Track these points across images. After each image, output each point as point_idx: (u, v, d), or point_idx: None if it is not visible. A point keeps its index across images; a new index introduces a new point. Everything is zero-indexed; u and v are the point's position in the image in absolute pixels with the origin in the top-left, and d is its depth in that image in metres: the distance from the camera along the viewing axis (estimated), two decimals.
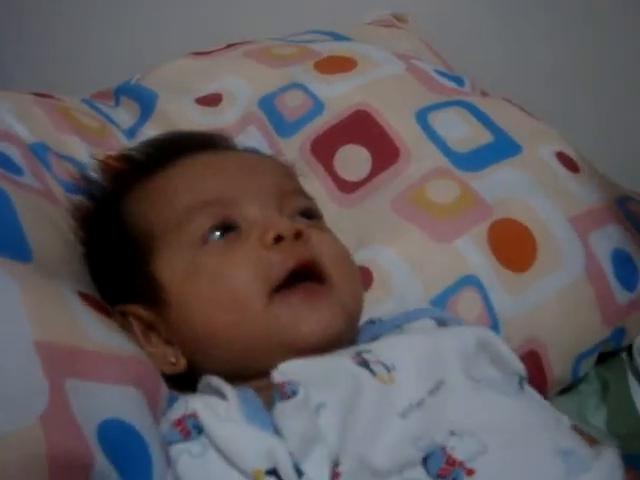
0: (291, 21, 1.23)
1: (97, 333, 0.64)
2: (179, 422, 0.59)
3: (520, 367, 0.68)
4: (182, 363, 0.67)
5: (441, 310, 0.78)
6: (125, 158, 0.79)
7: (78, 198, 0.79)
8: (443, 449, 0.56)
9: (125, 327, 0.69)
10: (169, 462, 0.59)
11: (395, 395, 0.59)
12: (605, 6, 1.35)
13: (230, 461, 0.56)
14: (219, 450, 0.56)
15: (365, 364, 0.60)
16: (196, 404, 0.59)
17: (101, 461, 0.56)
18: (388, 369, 0.61)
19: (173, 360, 0.67)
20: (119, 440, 0.59)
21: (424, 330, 0.71)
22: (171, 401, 0.66)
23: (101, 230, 0.74)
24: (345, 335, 0.66)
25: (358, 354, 0.62)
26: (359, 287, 0.71)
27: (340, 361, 0.61)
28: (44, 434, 0.54)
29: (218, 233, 0.67)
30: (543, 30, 1.38)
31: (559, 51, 1.38)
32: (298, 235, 0.66)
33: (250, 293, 0.64)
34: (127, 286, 0.70)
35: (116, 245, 0.71)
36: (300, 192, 0.74)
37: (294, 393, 0.57)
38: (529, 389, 0.68)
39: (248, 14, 1.31)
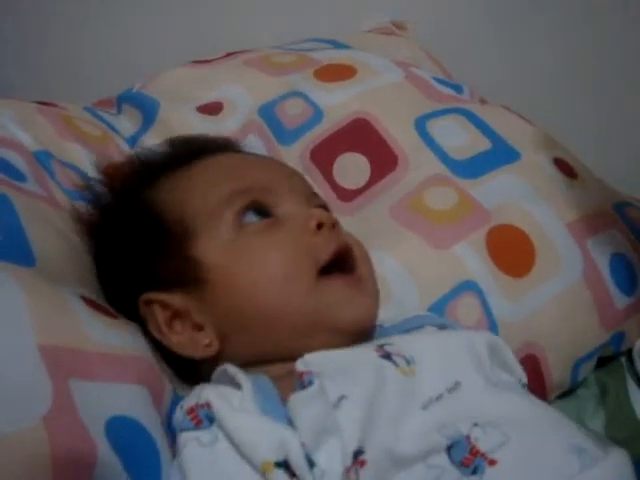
0: (290, 29, 1.24)
1: (100, 335, 0.64)
2: (192, 410, 0.60)
3: (522, 374, 0.70)
4: (215, 345, 0.68)
5: (440, 317, 0.79)
6: (143, 156, 0.80)
7: (84, 203, 0.79)
8: (467, 438, 0.57)
9: (146, 319, 0.69)
10: (176, 450, 0.60)
11: (416, 387, 0.60)
12: (605, 6, 1.35)
13: (241, 452, 0.56)
14: (231, 441, 0.57)
15: (388, 356, 0.62)
16: (210, 394, 0.60)
17: (108, 460, 0.57)
18: (408, 362, 0.62)
19: (207, 342, 0.68)
20: (127, 437, 0.60)
21: (434, 332, 0.72)
22: (176, 400, 0.67)
23: (124, 223, 0.74)
24: (373, 327, 0.69)
25: (380, 346, 0.63)
26: (377, 281, 0.73)
27: (364, 353, 0.63)
28: (47, 435, 0.55)
29: (255, 216, 0.70)
30: (542, 32, 1.38)
31: (558, 53, 1.38)
32: (335, 224, 0.70)
33: (299, 271, 0.66)
34: (153, 276, 0.70)
35: (145, 236, 0.72)
36: (317, 196, 0.77)
37: (310, 383, 0.59)
38: (532, 396, 0.69)
39: (248, 23, 1.32)
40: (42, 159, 0.83)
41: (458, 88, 1.04)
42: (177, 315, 0.69)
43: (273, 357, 0.65)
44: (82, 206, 0.80)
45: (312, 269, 0.67)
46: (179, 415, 0.61)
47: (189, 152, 0.77)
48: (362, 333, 0.67)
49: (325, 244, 0.68)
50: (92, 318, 0.66)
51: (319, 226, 0.69)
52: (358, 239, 0.75)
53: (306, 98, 0.97)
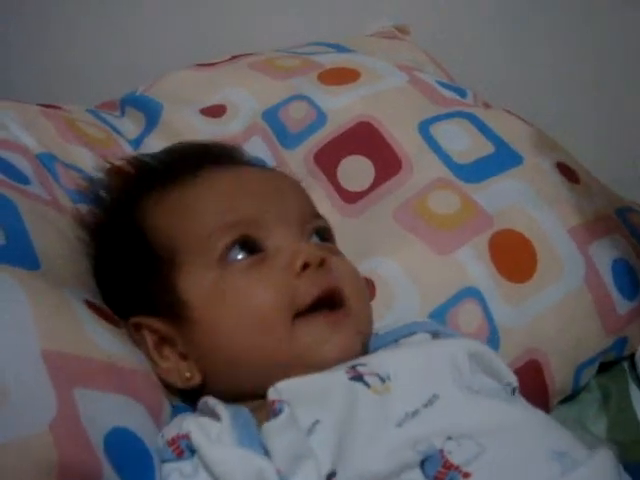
0: (294, 33, 1.24)
1: (103, 342, 0.64)
2: (173, 441, 0.61)
3: (512, 378, 0.69)
4: (197, 378, 0.68)
5: (437, 323, 0.78)
6: (140, 164, 0.79)
7: (88, 206, 0.79)
8: (441, 452, 0.57)
9: (136, 340, 0.70)
10: None
11: (391, 404, 0.60)
12: (605, 6, 1.35)
13: None
14: (210, 472, 0.58)
15: (359, 377, 0.61)
16: (190, 425, 0.61)
17: (108, 472, 0.57)
18: (383, 380, 0.62)
19: (188, 375, 0.68)
20: (125, 449, 0.60)
21: (419, 344, 0.71)
22: (175, 413, 0.68)
23: (116, 239, 0.74)
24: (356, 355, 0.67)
25: (353, 367, 0.63)
26: (370, 310, 0.73)
27: (335, 377, 0.62)
28: (54, 442, 0.55)
29: (243, 253, 0.68)
30: (542, 33, 1.38)
31: (559, 54, 1.38)
32: (322, 262, 0.68)
33: (275, 317, 0.65)
34: (143, 298, 0.70)
35: (134, 256, 0.72)
36: (317, 214, 0.76)
37: (280, 411, 0.59)
38: (522, 400, 0.69)
39: (250, 26, 1.32)
40: (46, 161, 0.83)
41: (461, 92, 1.04)
42: (166, 340, 0.69)
43: (252, 393, 0.64)
44: (85, 208, 0.80)
45: (288, 315, 0.66)
46: (159, 444, 0.62)
47: (184, 164, 0.76)
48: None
49: (307, 289, 0.66)
50: (96, 325, 0.66)
51: (305, 266, 0.67)
52: (353, 268, 0.74)
53: (310, 101, 0.97)
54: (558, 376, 0.85)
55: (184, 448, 0.60)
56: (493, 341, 0.81)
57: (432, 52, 1.22)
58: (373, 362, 0.63)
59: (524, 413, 0.64)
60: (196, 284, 0.68)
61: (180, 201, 0.72)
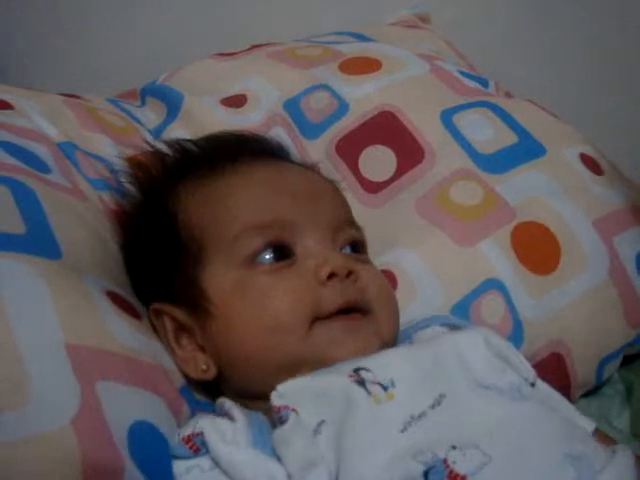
0: (314, 22, 1.24)
1: (124, 336, 0.64)
2: (188, 439, 0.61)
3: (530, 372, 0.68)
4: (212, 371, 0.68)
5: (457, 318, 0.78)
6: (181, 148, 0.79)
7: (117, 190, 0.79)
8: (445, 462, 0.55)
9: (156, 326, 0.70)
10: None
11: (394, 411, 0.59)
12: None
13: None
14: (223, 471, 0.58)
15: (362, 382, 0.61)
16: (205, 424, 0.61)
17: (130, 466, 0.57)
18: (385, 388, 0.61)
19: (204, 367, 0.68)
20: (147, 443, 0.60)
21: (432, 338, 0.70)
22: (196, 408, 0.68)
23: (147, 222, 0.74)
24: None
25: (356, 372, 0.62)
26: (397, 317, 0.72)
27: (336, 380, 0.61)
28: (76, 436, 0.55)
29: (271, 255, 0.68)
30: (566, 23, 1.37)
31: (582, 43, 1.37)
32: (349, 274, 0.67)
33: (295, 321, 0.65)
34: (167, 286, 0.70)
35: (161, 241, 0.72)
36: (352, 223, 0.75)
37: (287, 419, 0.59)
38: (544, 389, 0.69)
39: (271, 15, 1.32)
40: (66, 150, 0.83)
41: (483, 81, 1.04)
42: (185, 329, 0.69)
43: (264, 391, 0.64)
44: (108, 196, 0.80)
45: (307, 319, 0.65)
46: (175, 442, 0.62)
47: (220, 154, 0.76)
48: None
49: (332, 297, 0.66)
50: (117, 318, 0.66)
51: (331, 275, 0.67)
52: (381, 277, 0.73)
53: (331, 91, 0.96)
54: (581, 369, 0.84)
55: (200, 445, 0.60)
56: (516, 333, 0.81)
57: (453, 41, 1.22)
58: (377, 367, 0.62)
59: (535, 413, 0.62)
60: (219, 279, 0.68)
61: (215, 192, 0.72)
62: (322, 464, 0.57)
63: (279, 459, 0.58)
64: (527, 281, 0.83)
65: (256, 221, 0.69)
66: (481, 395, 0.62)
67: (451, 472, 0.55)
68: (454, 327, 0.73)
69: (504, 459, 0.56)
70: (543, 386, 0.69)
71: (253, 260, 0.68)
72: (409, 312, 0.78)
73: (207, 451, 0.60)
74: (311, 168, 0.81)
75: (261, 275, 0.67)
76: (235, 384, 0.68)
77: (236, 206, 0.70)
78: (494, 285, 0.82)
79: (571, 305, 0.84)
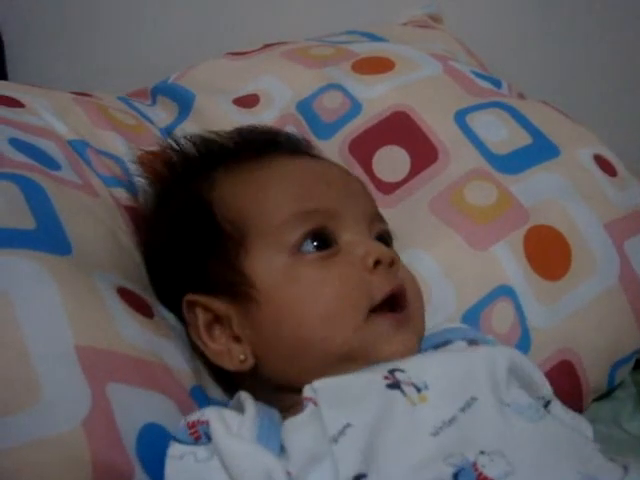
0: (326, 22, 1.23)
1: (134, 337, 0.64)
2: (192, 425, 0.60)
3: (548, 390, 0.68)
4: (250, 361, 0.68)
5: (473, 330, 0.78)
6: (206, 141, 0.79)
7: (127, 189, 0.79)
8: (474, 465, 0.56)
9: (187, 320, 0.69)
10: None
11: (426, 414, 0.59)
12: None
13: (230, 475, 0.57)
14: (223, 463, 0.58)
15: (397, 384, 0.61)
16: (212, 414, 0.60)
17: (139, 469, 0.57)
18: (419, 389, 0.61)
19: (242, 358, 0.67)
20: (157, 445, 0.60)
21: (457, 351, 0.71)
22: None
23: (177, 213, 0.73)
24: None
25: (391, 372, 0.62)
26: (424, 315, 0.73)
27: (372, 381, 0.61)
28: (87, 438, 0.55)
29: (315, 244, 0.68)
30: (578, 23, 1.36)
31: (596, 44, 1.36)
32: (392, 263, 0.68)
33: (349, 310, 0.65)
34: (200, 275, 0.70)
35: (197, 231, 0.71)
36: (380, 216, 0.76)
37: (306, 408, 0.59)
38: (558, 409, 0.68)
39: (283, 15, 1.31)
40: (77, 148, 0.83)
41: (496, 82, 1.03)
42: (218, 320, 0.69)
43: (297, 385, 0.63)
44: (120, 193, 0.79)
45: (364, 309, 0.66)
46: (180, 426, 0.61)
47: (257, 146, 0.76)
48: None
49: (380, 284, 0.67)
50: (128, 317, 0.65)
51: (376, 263, 0.67)
52: (412, 273, 0.74)
53: (344, 91, 0.96)
54: (592, 375, 0.84)
55: (202, 434, 0.60)
56: (524, 342, 0.80)
57: (465, 41, 1.21)
58: (411, 369, 0.62)
59: (553, 433, 0.62)
60: (265, 266, 0.67)
61: (255, 180, 0.72)
62: (328, 463, 0.56)
63: (284, 454, 0.57)
64: (537, 287, 0.83)
65: (301, 208, 0.69)
66: (504, 411, 0.61)
67: (480, 475, 0.55)
68: (474, 342, 0.72)
69: (526, 472, 0.56)
70: (557, 404, 0.69)
71: (299, 247, 0.68)
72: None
73: (208, 441, 0.59)
74: (341, 166, 0.82)
75: (308, 263, 0.67)
76: (271, 374, 0.68)
77: (280, 193, 0.70)
78: (505, 292, 0.82)
79: (581, 311, 0.83)
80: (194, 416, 0.61)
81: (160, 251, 0.74)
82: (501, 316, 0.81)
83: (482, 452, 0.56)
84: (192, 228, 0.71)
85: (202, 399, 0.68)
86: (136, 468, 0.57)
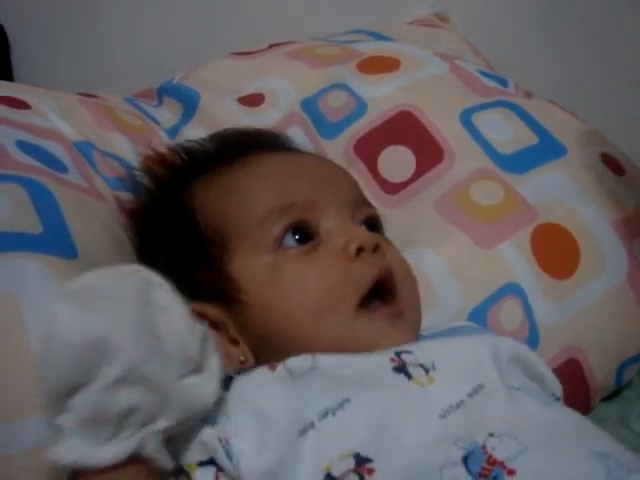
0: (332, 21, 1.23)
1: None
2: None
3: (558, 389, 0.68)
4: (251, 360, 0.67)
5: (479, 327, 0.78)
6: (186, 150, 0.78)
7: (127, 193, 0.79)
8: (484, 448, 0.55)
9: None
10: None
11: (434, 396, 0.59)
12: None
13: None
14: None
15: (402, 368, 0.60)
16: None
17: None
18: (427, 370, 0.61)
19: (242, 359, 0.67)
20: None
21: (465, 336, 0.70)
22: None
23: (163, 223, 0.73)
24: None
25: (397, 354, 0.62)
26: (419, 297, 0.71)
27: (378, 363, 0.61)
28: None
29: (296, 238, 0.67)
30: (585, 23, 1.36)
31: (602, 44, 1.36)
32: (376, 247, 0.67)
33: (335, 303, 0.65)
34: (191, 283, 0.69)
35: (182, 239, 0.71)
36: (366, 201, 0.75)
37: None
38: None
39: (289, 14, 1.31)
40: (83, 149, 0.83)
41: (503, 81, 1.03)
42: (214, 326, 0.68)
43: None
44: (124, 195, 0.80)
45: (352, 302, 0.65)
46: None
47: (233, 149, 0.75)
48: None
49: (365, 270, 0.65)
50: None
51: (359, 250, 0.66)
52: (402, 256, 0.72)
53: (349, 90, 0.96)
54: (600, 374, 0.84)
55: None
56: (532, 339, 0.80)
57: (472, 40, 1.21)
58: (418, 351, 0.62)
59: (565, 415, 0.63)
60: (249, 267, 0.67)
61: (231, 183, 0.71)
62: (280, 431, 0.56)
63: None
64: (545, 285, 0.82)
65: (277, 204, 0.68)
66: (514, 394, 0.61)
67: (490, 457, 0.55)
68: None
69: (538, 449, 0.56)
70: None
71: (280, 244, 0.67)
72: (428, 313, 0.77)
73: None
74: (319, 155, 0.81)
75: (291, 259, 0.66)
76: None
77: (255, 192, 0.70)
78: (513, 290, 0.81)
79: (589, 309, 0.83)
80: None
81: (150, 261, 0.74)
82: (509, 314, 0.80)
83: (491, 434, 0.56)
84: (178, 238, 0.71)
85: None
86: None
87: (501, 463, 0.54)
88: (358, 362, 0.61)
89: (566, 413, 0.63)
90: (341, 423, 0.56)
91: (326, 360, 0.60)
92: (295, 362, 0.60)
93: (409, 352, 0.62)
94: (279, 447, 0.55)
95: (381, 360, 0.61)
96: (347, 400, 0.57)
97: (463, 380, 0.60)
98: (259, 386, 0.59)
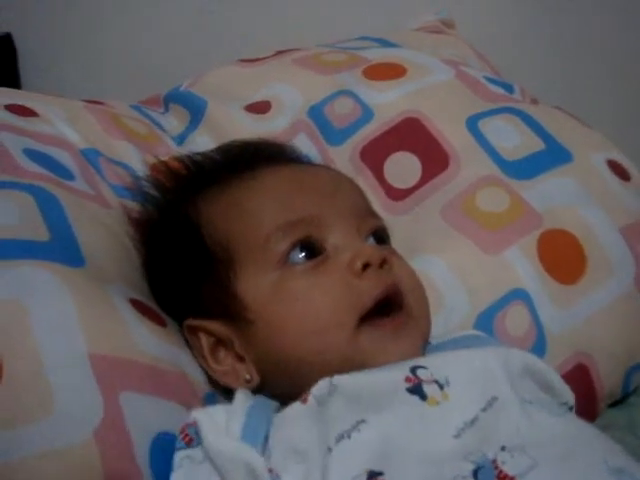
0: (338, 28, 1.23)
1: (148, 345, 0.64)
2: (182, 429, 0.60)
3: (570, 397, 0.68)
4: (256, 379, 0.67)
5: (487, 337, 0.77)
6: (193, 162, 0.78)
7: (134, 201, 0.79)
8: (494, 462, 0.55)
9: (190, 344, 0.69)
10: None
11: (449, 415, 0.59)
12: None
13: (220, 475, 0.57)
14: (212, 462, 0.58)
15: (417, 388, 0.60)
16: (198, 414, 0.60)
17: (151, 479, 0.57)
18: (442, 386, 0.60)
19: (248, 377, 0.67)
20: (170, 455, 0.59)
21: (476, 348, 0.70)
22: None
23: (169, 237, 0.73)
24: None
25: (413, 371, 0.61)
26: (429, 311, 0.71)
27: (393, 383, 0.61)
28: (98, 449, 0.55)
29: (303, 254, 0.67)
30: (592, 29, 1.36)
31: (609, 50, 1.36)
32: (383, 263, 0.67)
33: (339, 320, 0.64)
34: (197, 300, 0.70)
35: (188, 255, 0.71)
36: (372, 212, 0.74)
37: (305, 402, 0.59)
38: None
39: (295, 21, 1.32)
40: (90, 157, 0.83)
41: (509, 87, 1.03)
42: (221, 342, 0.68)
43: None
44: (130, 204, 0.79)
45: (353, 318, 0.64)
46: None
47: (239, 162, 0.75)
48: None
49: (370, 287, 0.65)
50: (141, 326, 0.66)
51: (366, 266, 0.66)
52: (412, 269, 0.72)
53: (356, 97, 0.96)
54: (607, 380, 0.84)
55: (193, 436, 0.59)
56: (539, 345, 0.80)
57: (478, 47, 1.21)
58: (433, 365, 0.62)
59: (578, 427, 0.62)
60: (255, 285, 0.67)
61: (237, 199, 0.71)
62: (315, 462, 0.56)
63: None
64: (552, 291, 0.82)
65: (283, 220, 0.68)
66: (526, 407, 0.61)
67: (500, 472, 0.54)
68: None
69: (550, 465, 0.55)
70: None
71: (286, 261, 0.67)
72: (435, 320, 0.76)
73: (200, 442, 0.59)
74: (326, 166, 0.81)
75: (297, 276, 0.66)
76: (279, 388, 0.67)
77: (261, 208, 0.70)
78: (519, 295, 0.81)
79: (596, 315, 0.83)
80: (185, 421, 0.61)
81: (157, 275, 0.74)
82: (516, 319, 0.80)
83: (503, 448, 0.56)
84: (185, 254, 0.71)
85: None
86: (149, 478, 0.56)
87: (512, 478, 0.54)
88: (373, 381, 0.61)
89: (580, 425, 0.63)
90: (355, 445, 0.56)
91: (343, 381, 0.60)
92: (318, 388, 0.59)
93: (424, 367, 0.61)
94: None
95: (397, 379, 0.61)
96: (363, 421, 0.57)
97: (477, 394, 0.60)
98: (294, 422, 0.59)
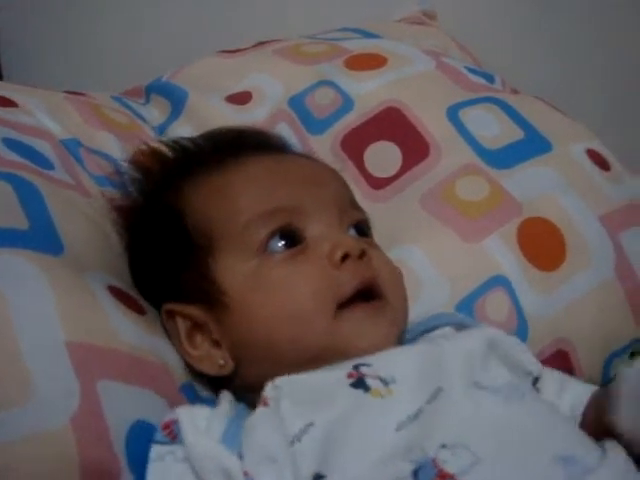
0: (320, 19, 1.24)
1: (126, 334, 0.64)
2: (167, 425, 0.60)
3: (535, 367, 0.68)
4: (230, 365, 0.68)
5: (463, 316, 0.77)
6: (178, 147, 0.78)
7: (115, 190, 0.79)
8: (434, 461, 0.55)
9: (167, 328, 0.69)
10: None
11: (392, 408, 0.59)
12: None
13: (197, 475, 0.58)
14: (190, 463, 0.58)
15: (360, 382, 0.60)
16: (181, 413, 0.61)
17: (127, 467, 0.57)
18: (386, 383, 0.60)
19: (221, 363, 0.67)
20: (146, 443, 0.60)
21: (431, 341, 0.69)
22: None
23: (151, 222, 0.73)
24: None
25: (356, 368, 0.61)
26: (407, 305, 0.71)
27: (335, 380, 0.61)
28: (74, 435, 0.55)
29: (282, 242, 0.67)
30: (574, 19, 1.36)
31: (591, 39, 1.37)
32: (362, 254, 0.67)
33: (317, 309, 0.65)
34: (176, 285, 0.70)
35: (169, 240, 0.71)
36: (355, 204, 0.74)
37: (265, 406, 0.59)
38: (549, 384, 0.68)
39: (277, 13, 1.31)
40: (70, 147, 0.83)
41: (489, 77, 1.03)
42: (198, 327, 0.69)
43: None
44: (111, 193, 0.79)
45: (331, 307, 0.65)
46: (157, 428, 0.61)
47: (224, 149, 0.75)
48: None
49: (348, 278, 0.65)
50: (119, 314, 0.66)
51: (345, 257, 0.66)
52: (391, 262, 0.72)
53: (336, 87, 0.96)
54: (587, 366, 0.84)
55: (177, 433, 0.60)
56: (521, 330, 0.80)
57: (459, 38, 1.22)
58: (379, 363, 0.62)
59: (531, 413, 0.62)
60: (234, 272, 0.67)
61: (220, 185, 0.71)
62: (283, 463, 0.56)
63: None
64: (532, 278, 0.83)
65: (263, 209, 0.68)
66: (475, 395, 0.61)
67: (440, 471, 0.54)
68: (462, 326, 0.71)
69: (493, 460, 0.55)
70: (550, 377, 0.69)
71: (265, 249, 0.67)
72: (414, 308, 0.76)
73: (183, 440, 0.59)
74: (310, 156, 0.81)
75: (276, 264, 0.66)
76: (249, 378, 0.67)
77: (242, 196, 0.70)
78: (499, 282, 0.82)
79: (576, 302, 0.83)
80: (169, 417, 0.61)
81: (138, 260, 0.74)
82: (495, 305, 0.81)
83: (443, 445, 0.55)
84: (166, 239, 0.71)
85: (192, 396, 0.68)
86: (124, 465, 0.57)
87: (452, 477, 0.54)
88: (315, 381, 0.61)
89: (535, 411, 0.62)
90: (306, 448, 0.57)
91: (284, 382, 0.60)
92: (267, 390, 0.60)
93: (368, 365, 0.61)
94: None
95: (339, 377, 0.61)
96: (311, 424, 0.58)
97: (422, 387, 0.60)
98: (260, 426, 0.59)
